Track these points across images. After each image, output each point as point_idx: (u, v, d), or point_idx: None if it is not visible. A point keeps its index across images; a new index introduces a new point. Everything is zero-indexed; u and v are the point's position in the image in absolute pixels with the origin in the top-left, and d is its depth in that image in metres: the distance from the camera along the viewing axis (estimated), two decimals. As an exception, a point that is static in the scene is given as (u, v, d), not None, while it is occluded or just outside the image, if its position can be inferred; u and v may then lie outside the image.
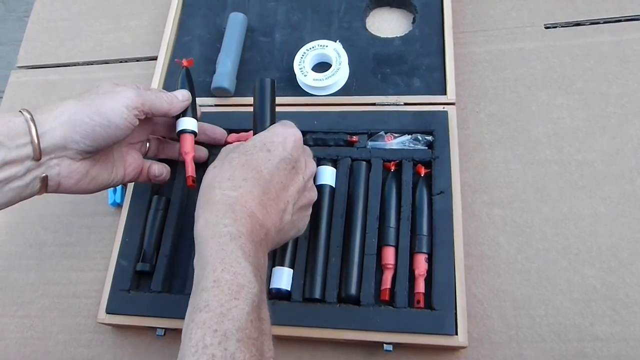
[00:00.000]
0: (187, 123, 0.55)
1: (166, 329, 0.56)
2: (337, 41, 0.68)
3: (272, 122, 0.52)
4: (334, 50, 0.67)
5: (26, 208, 0.67)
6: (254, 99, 0.52)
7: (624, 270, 0.54)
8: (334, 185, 0.59)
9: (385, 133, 0.62)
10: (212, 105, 0.68)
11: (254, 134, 0.50)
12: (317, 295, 0.55)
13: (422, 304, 0.53)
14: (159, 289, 0.57)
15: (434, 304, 0.53)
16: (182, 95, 0.55)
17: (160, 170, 0.58)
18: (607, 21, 0.67)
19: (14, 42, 2.06)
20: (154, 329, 0.56)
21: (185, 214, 0.62)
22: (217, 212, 0.42)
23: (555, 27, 0.69)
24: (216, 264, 0.39)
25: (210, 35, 0.74)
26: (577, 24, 0.68)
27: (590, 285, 0.54)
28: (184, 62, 0.58)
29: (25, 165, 0.45)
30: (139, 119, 0.50)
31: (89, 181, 0.50)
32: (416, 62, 0.67)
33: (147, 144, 0.58)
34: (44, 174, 0.46)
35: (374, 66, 0.68)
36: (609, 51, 0.65)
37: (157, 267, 0.58)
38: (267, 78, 0.53)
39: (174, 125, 0.56)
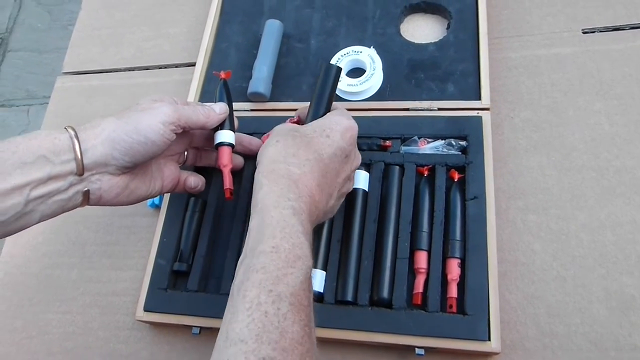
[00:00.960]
0: (225, 136, 0.56)
1: (201, 328, 0.58)
2: (372, 47, 0.69)
3: (328, 109, 0.53)
4: (368, 56, 0.68)
5: (70, 208, 0.70)
6: (317, 83, 0.54)
7: (663, 279, 0.53)
8: (367, 189, 0.60)
9: (419, 138, 0.62)
10: (248, 110, 0.69)
11: (308, 115, 0.53)
12: (350, 297, 0.55)
13: (454, 309, 0.53)
14: (195, 288, 0.59)
15: (466, 309, 0.52)
16: (219, 109, 0.55)
17: (196, 182, 0.60)
18: (647, 25, 0.66)
19: (59, 49, 2.14)
20: (190, 327, 0.58)
21: (220, 216, 0.63)
22: (282, 185, 0.44)
23: (594, 32, 0.68)
24: (276, 232, 0.41)
25: (247, 42, 0.75)
26: (616, 29, 0.67)
27: (629, 294, 0.53)
28: (222, 75, 0.59)
29: (68, 180, 0.46)
30: (175, 133, 0.51)
31: (128, 194, 0.52)
32: (450, 68, 0.67)
33: (185, 154, 0.60)
34: (86, 189, 0.48)
35: (408, 72, 0.68)
36: (650, 56, 0.64)
37: (193, 267, 0.60)
38: (335, 65, 0.54)
39: (212, 137, 0.57)
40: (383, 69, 0.68)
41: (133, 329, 0.62)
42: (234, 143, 0.57)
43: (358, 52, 0.69)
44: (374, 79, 0.66)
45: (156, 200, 0.67)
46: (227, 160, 0.56)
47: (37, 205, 0.46)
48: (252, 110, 0.70)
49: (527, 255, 0.57)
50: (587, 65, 0.66)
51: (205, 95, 0.72)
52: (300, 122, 0.56)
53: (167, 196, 0.64)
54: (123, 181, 0.50)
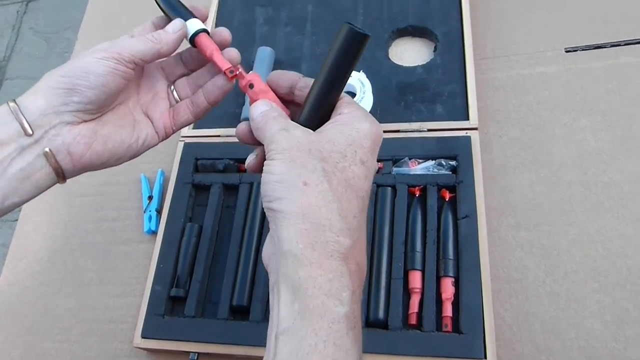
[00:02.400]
0: (193, 25, 0.46)
1: (199, 353, 0.58)
2: (361, 71, 0.71)
3: (337, 98, 0.40)
4: (358, 80, 0.69)
5: (67, 235, 0.71)
6: (329, 54, 0.39)
7: (654, 291, 0.54)
8: (360, 211, 0.61)
9: (410, 159, 0.63)
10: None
11: (309, 101, 0.40)
12: (346, 318, 0.55)
13: (449, 328, 0.54)
14: (192, 313, 0.59)
15: (461, 328, 0.53)
16: (172, 28, 0.46)
17: (185, 112, 0.49)
18: (628, 43, 0.68)
19: (54, 78, 2.16)
20: (188, 353, 0.58)
21: (217, 240, 0.64)
22: (331, 272, 0.34)
23: (576, 50, 0.69)
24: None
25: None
26: (598, 47, 0.69)
27: (622, 307, 0.54)
28: None
29: (18, 143, 0.41)
30: (127, 67, 0.43)
31: (104, 142, 0.44)
32: (438, 89, 0.68)
33: (174, 93, 0.49)
34: (46, 148, 0.42)
35: (397, 94, 0.70)
36: (632, 72, 0.66)
37: (190, 293, 0.60)
38: (361, 31, 0.38)
39: (189, 58, 0.49)
40: (373, 92, 0.69)
41: (131, 356, 0.63)
42: (207, 29, 0.47)
43: (348, 76, 0.70)
44: (364, 102, 0.68)
45: (153, 226, 0.67)
46: (211, 46, 0.46)
47: None
48: (245, 135, 0.71)
49: (520, 272, 0.58)
50: (571, 83, 0.67)
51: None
52: (278, 94, 0.43)
53: (163, 222, 0.65)
54: (88, 128, 0.43)
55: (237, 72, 0.44)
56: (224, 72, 0.45)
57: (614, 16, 0.70)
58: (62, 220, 0.73)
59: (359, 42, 0.38)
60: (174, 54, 0.47)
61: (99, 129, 0.44)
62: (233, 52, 0.47)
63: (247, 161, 0.43)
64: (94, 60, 0.42)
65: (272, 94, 0.43)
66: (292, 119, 0.40)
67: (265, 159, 0.38)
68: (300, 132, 0.38)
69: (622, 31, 0.69)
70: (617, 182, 0.60)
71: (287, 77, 0.43)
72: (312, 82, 0.40)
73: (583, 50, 0.69)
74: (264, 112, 0.40)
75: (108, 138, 0.45)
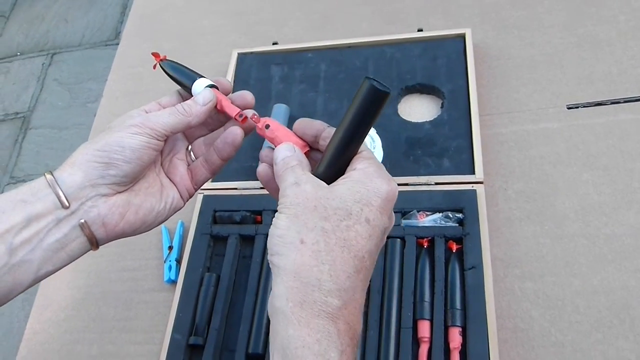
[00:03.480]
0: (201, 84, 0.48)
1: (216, 400, 0.60)
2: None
3: (356, 150, 0.41)
4: (369, 136, 0.73)
5: (90, 284, 0.74)
6: (350, 107, 0.39)
7: (657, 343, 0.55)
8: (370, 262, 0.63)
9: (418, 211, 0.66)
10: (257, 188, 0.74)
11: (327, 155, 0.41)
12: (357, 367, 0.58)
13: (458, 377, 0.55)
14: (209, 361, 0.61)
15: (469, 377, 0.55)
16: (202, 99, 0.47)
17: (201, 171, 0.51)
18: (627, 100, 0.71)
19: (78, 125, 2.24)
20: (205, 400, 0.60)
21: (234, 289, 0.67)
22: (318, 332, 0.34)
23: (577, 107, 0.73)
24: None
25: (256, 124, 0.81)
26: (599, 104, 0.72)
27: (626, 358, 0.55)
28: (158, 57, 0.51)
29: (55, 215, 0.42)
30: (158, 140, 0.46)
31: (136, 211, 0.46)
32: (445, 144, 0.72)
33: (191, 154, 0.52)
34: (81, 220, 0.43)
35: (406, 149, 0.73)
36: (631, 128, 0.69)
37: (208, 341, 0.63)
38: (383, 87, 0.38)
39: (210, 118, 0.50)
40: (383, 147, 0.73)
41: (150, 403, 0.65)
42: (213, 83, 0.49)
43: (359, 131, 0.74)
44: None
45: (172, 275, 0.70)
46: (220, 97, 0.48)
47: (28, 253, 0.42)
48: (261, 188, 0.74)
49: (526, 322, 0.59)
50: (573, 138, 0.70)
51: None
52: (310, 149, 0.44)
53: (182, 272, 0.68)
54: (122, 199, 0.45)
55: (254, 117, 0.46)
56: (234, 118, 0.47)
57: (613, 75, 0.74)
58: (85, 270, 0.76)
59: (380, 98, 0.38)
60: None
61: (131, 199, 0.46)
62: (248, 96, 0.49)
63: (258, 169, 0.45)
64: (128, 136, 0.44)
65: (292, 134, 0.44)
66: (313, 167, 0.42)
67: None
68: (310, 187, 0.38)
69: (621, 89, 0.72)
70: (619, 234, 0.62)
71: (313, 126, 0.44)
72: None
73: (584, 107, 0.73)
74: (285, 159, 0.42)
75: (140, 207, 0.46)
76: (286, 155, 0.42)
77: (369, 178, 0.39)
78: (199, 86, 0.48)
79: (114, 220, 0.45)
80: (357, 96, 0.38)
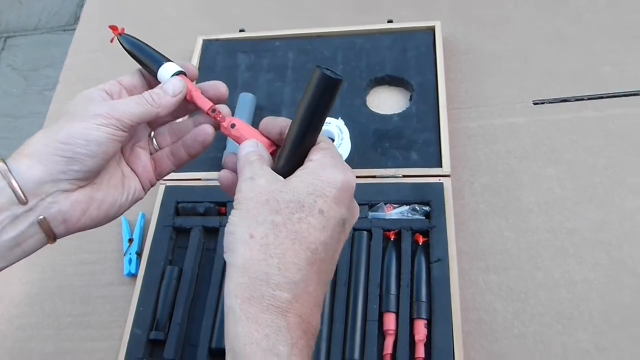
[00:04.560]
0: (169, 70, 0.45)
1: (177, 397, 0.58)
2: (339, 118, 0.74)
3: (313, 141, 0.40)
4: (337, 127, 0.72)
5: (45, 279, 0.71)
6: (303, 97, 0.38)
7: (615, 334, 0.56)
8: (337, 255, 0.63)
9: (385, 204, 0.66)
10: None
11: (285, 148, 0.40)
12: (322, 361, 0.57)
13: (422, 370, 0.55)
14: (171, 357, 0.60)
15: (434, 370, 0.55)
16: (173, 90, 0.44)
17: (166, 163, 0.48)
18: (590, 98, 0.73)
19: (34, 114, 2.16)
20: (166, 396, 0.59)
21: (197, 283, 0.65)
22: (267, 326, 0.34)
23: (543, 103, 0.74)
24: None
25: (222, 114, 0.80)
26: (564, 100, 0.73)
27: (584, 349, 0.56)
28: (117, 31, 0.48)
29: (11, 212, 0.40)
30: (124, 132, 0.43)
31: (99, 206, 0.44)
32: (413, 137, 0.72)
33: (154, 141, 0.49)
34: (40, 217, 0.41)
35: (374, 141, 0.73)
36: (593, 125, 0.70)
37: (169, 336, 0.61)
38: (335, 75, 0.37)
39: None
40: (351, 139, 0.72)
41: (108, 400, 0.62)
42: (182, 69, 0.46)
43: (327, 122, 0.73)
44: (342, 149, 0.70)
45: (132, 269, 0.68)
46: (191, 88, 0.45)
47: None
48: (226, 179, 0.73)
49: (490, 314, 0.60)
50: (538, 133, 0.71)
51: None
52: (277, 147, 0.43)
53: (143, 265, 0.66)
54: (84, 194, 0.42)
55: (219, 116, 0.44)
56: (206, 112, 0.45)
57: (578, 72, 0.75)
58: (39, 263, 0.73)
59: (332, 86, 0.37)
60: None
61: (94, 194, 0.43)
62: (222, 87, 0.47)
63: (220, 175, 0.43)
64: (94, 127, 0.41)
65: (258, 133, 0.43)
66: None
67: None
68: (264, 181, 0.38)
69: (586, 86, 0.73)
70: (580, 228, 0.63)
71: (277, 123, 0.43)
72: None
73: (550, 103, 0.74)
74: (247, 155, 0.41)
75: (102, 201, 0.44)
76: (248, 151, 0.41)
77: (324, 168, 0.38)
78: (167, 72, 0.45)
79: (76, 216, 0.42)
80: (309, 86, 0.38)
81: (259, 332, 0.34)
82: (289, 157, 0.40)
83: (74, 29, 0.99)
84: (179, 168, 0.49)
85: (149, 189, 0.48)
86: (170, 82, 0.45)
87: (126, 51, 0.47)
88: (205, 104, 0.45)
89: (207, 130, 0.46)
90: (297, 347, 0.34)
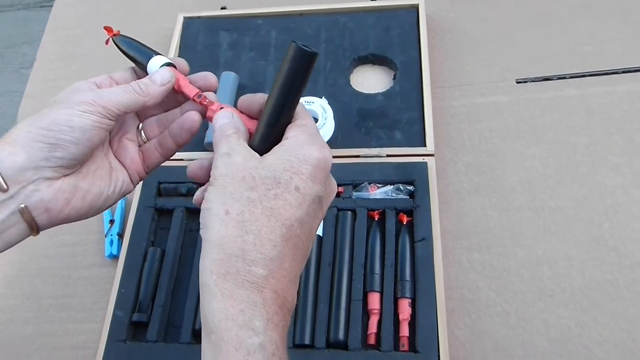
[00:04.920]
0: (158, 62, 0.45)
1: (161, 378, 0.58)
2: (323, 97, 0.73)
3: (291, 115, 0.40)
4: (320, 106, 0.72)
5: (24, 261, 0.70)
6: (280, 72, 0.38)
7: (595, 310, 0.57)
8: (321, 235, 0.62)
9: (369, 183, 0.66)
10: (205, 159, 0.71)
11: (261, 123, 0.40)
12: (307, 341, 0.57)
13: (406, 347, 0.56)
14: (154, 338, 0.59)
15: (417, 347, 0.55)
16: (161, 79, 0.44)
17: (154, 155, 0.47)
18: (572, 76, 0.73)
19: (11, 92, 2.11)
20: (149, 377, 0.58)
21: (179, 264, 0.65)
22: (242, 302, 0.34)
23: (526, 82, 0.74)
24: None
25: (203, 93, 0.78)
26: (546, 79, 0.73)
27: (565, 325, 0.57)
28: (111, 32, 0.48)
29: None
30: (112, 120, 0.42)
31: (83, 196, 0.42)
32: (397, 116, 0.71)
33: (142, 133, 0.48)
34: (22, 205, 0.39)
35: (358, 120, 0.72)
36: (576, 104, 0.70)
37: (152, 317, 0.61)
38: (309, 49, 0.37)
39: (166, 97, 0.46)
40: (334, 118, 0.72)
41: (91, 382, 0.62)
42: (171, 61, 0.46)
43: (310, 102, 0.73)
44: (325, 128, 0.70)
45: (114, 250, 0.67)
46: (177, 76, 0.45)
47: None
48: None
49: (473, 292, 0.60)
50: (521, 112, 0.71)
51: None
52: (245, 113, 0.43)
53: (125, 246, 0.65)
54: (68, 183, 0.41)
55: (206, 102, 0.44)
56: (192, 99, 0.44)
57: (561, 51, 0.75)
58: (18, 245, 0.69)
59: (307, 60, 0.37)
60: None
61: (78, 183, 0.42)
62: (212, 78, 0.46)
63: (195, 195, 0.42)
64: (78, 114, 0.40)
65: (244, 116, 0.42)
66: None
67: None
68: (240, 158, 0.38)
69: (568, 65, 0.74)
70: (562, 207, 0.64)
71: (255, 100, 0.42)
72: None
73: (532, 81, 0.74)
74: (223, 127, 0.40)
75: (87, 192, 0.43)
76: (224, 122, 0.40)
77: (300, 145, 0.38)
78: (155, 64, 0.45)
79: (59, 206, 0.41)
80: (285, 61, 0.38)
81: (234, 307, 0.34)
82: (265, 133, 0.40)
83: (51, 6, 0.96)
84: (167, 159, 0.48)
85: (137, 183, 0.47)
86: (159, 72, 0.44)
87: (121, 52, 0.47)
88: (191, 91, 0.45)
89: (194, 117, 0.45)
90: (272, 322, 0.34)
